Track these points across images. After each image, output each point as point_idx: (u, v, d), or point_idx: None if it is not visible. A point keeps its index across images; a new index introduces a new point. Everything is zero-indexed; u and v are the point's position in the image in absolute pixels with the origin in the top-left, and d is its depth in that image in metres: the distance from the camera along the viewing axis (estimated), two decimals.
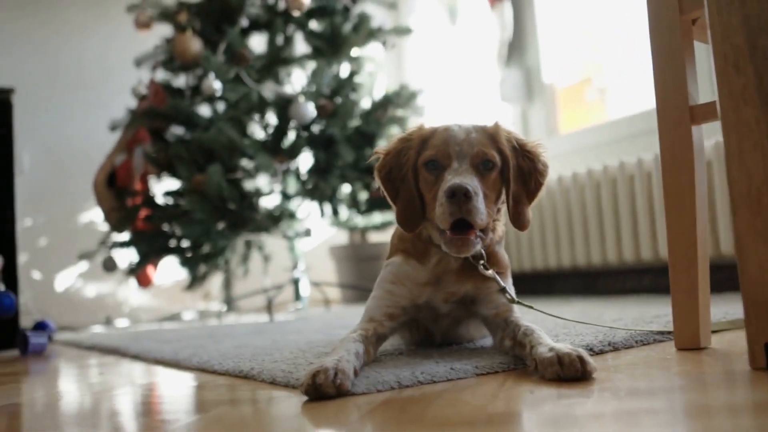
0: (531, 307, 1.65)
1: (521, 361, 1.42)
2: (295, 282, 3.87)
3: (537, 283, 4.22)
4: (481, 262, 1.58)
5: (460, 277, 1.60)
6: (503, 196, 1.60)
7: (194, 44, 3.53)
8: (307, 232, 3.96)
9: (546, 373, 1.25)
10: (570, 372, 1.21)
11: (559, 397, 1.11)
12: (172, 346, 2.37)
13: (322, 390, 1.21)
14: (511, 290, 1.65)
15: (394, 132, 3.91)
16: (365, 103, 3.98)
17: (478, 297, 1.61)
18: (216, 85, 3.42)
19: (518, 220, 1.59)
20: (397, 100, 3.80)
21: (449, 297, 1.62)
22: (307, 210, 4.01)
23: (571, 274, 3.97)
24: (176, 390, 1.60)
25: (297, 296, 3.89)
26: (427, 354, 1.60)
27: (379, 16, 4.29)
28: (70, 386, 1.81)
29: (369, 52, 4.13)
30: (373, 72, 4.13)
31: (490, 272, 1.58)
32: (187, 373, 1.82)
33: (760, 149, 1.18)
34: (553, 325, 2.01)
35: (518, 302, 1.59)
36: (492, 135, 1.59)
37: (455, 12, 5.41)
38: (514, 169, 1.59)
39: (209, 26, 3.69)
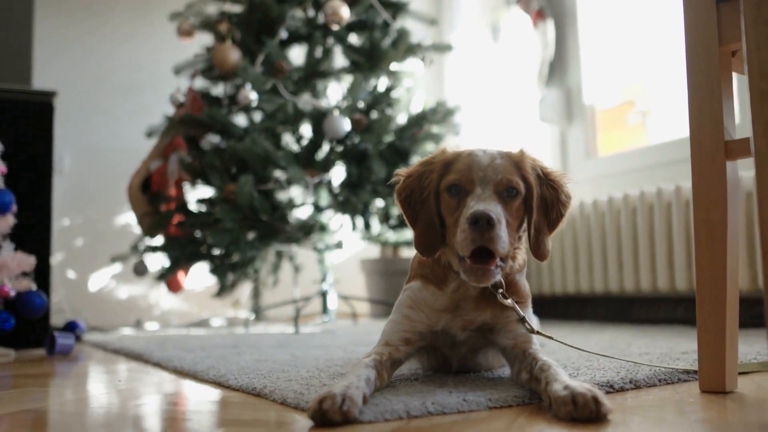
0: (551, 338, 1.61)
1: (537, 395, 1.38)
2: (323, 294, 3.86)
3: (569, 308, 4.14)
4: (500, 290, 1.55)
5: (479, 305, 1.57)
6: (525, 225, 1.56)
7: (233, 54, 3.56)
8: (339, 245, 3.96)
9: (559, 412, 1.21)
10: (584, 413, 1.17)
11: None
12: (194, 356, 2.37)
13: (328, 416, 1.19)
14: (532, 320, 1.61)
15: (429, 149, 3.89)
16: (401, 119, 3.97)
17: (496, 326, 1.58)
18: (252, 95, 3.44)
19: (538, 250, 1.56)
20: (433, 116, 3.78)
21: (467, 325, 1.59)
22: (338, 223, 4.01)
23: (603, 300, 3.89)
24: (186, 405, 1.59)
25: (324, 309, 3.88)
26: (442, 382, 1.57)
27: (418, 32, 4.28)
28: (83, 394, 1.82)
29: (407, 67, 4.12)
30: (411, 88, 4.12)
31: (509, 301, 1.54)
32: (203, 385, 1.82)
33: None
34: (577, 356, 1.96)
35: (538, 332, 1.55)
36: (517, 162, 1.56)
37: (498, 29, 5.38)
38: (538, 198, 1.55)
39: (249, 37, 3.73)
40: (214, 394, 1.69)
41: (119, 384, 1.95)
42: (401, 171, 1.66)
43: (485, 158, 1.53)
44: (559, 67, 4.51)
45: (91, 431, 1.31)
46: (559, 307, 4.21)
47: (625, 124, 4.36)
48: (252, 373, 1.86)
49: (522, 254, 1.64)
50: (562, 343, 1.66)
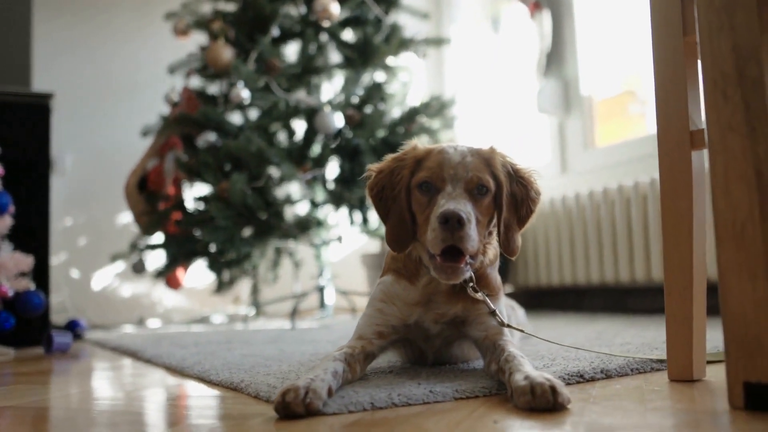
0: (522, 331, 1.62)
1: (504, 386, 1.40)
2: (321, 290, 3.89)
3: (566, 299, 4.15)
4: (471, 284, 1.56)
5: (450, 299, 1.59)
6: (495, 220, 1.58)
7: (226, 53, 3.59)
8: (338, 239, 3.98)
9: (518, 402, 1.22)
10: (541, 402, 1.19)
11: (521, 428, 1.09)
12: (185, 352, 2.41)
13: (291, 408, 1.21)
14: (503, 312, 1.62)
15: (423, 143, 3.90)
16: (397, 113, 3.98)
17: (467, 319, 1.59)
18: (244, 93, 3.47)
19: (508, 246, 1.58)
20: (427, 110, 3.79)
21: (439, 318, 1.60)
22: (337, 218, 4.03)
23: (600, 291, 3.90)
24: (161, 401, 1.62)
25: (322, 304, 3.91)
26: (415, 374, 1.59)
27: (415, 26, 4.28)
28: (60, 392, 1.85)
29: (403, 61, 4.12)
30: (407, 82, 4.13)
31: (479, 295, 1.56)
32: (187, 381, 1.85)
33: (746, 181, 1.13)
34: (557, 347, 1.98)
35: (508, 326, 1.57)
36: (487, 159, 1.57)
37: (498, 21, 5.37)
38: (508, 195, 1.57)
39: (242, 35, 3.75)
40: (194, 388, 1.72)
41: (100, 380, 1.99)
42: (373, 166, 1.68)
43: (456, 156, 1.53)
44: (556, 58, 4.50)
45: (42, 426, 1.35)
46: (557, 299, 4.22)
47: (625, 114, 4.35)
48: (235, 368, 1.88)
49: (493, 248, 1.65)
50: (532, 335, 1.68)
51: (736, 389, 1.14)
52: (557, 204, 4.07)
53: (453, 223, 1.42)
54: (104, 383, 1.96)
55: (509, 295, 4.35)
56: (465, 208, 1.45)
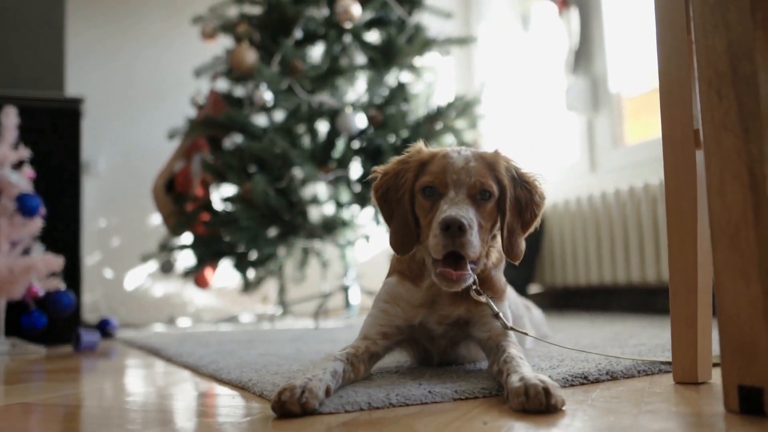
0: (526, 334, 1.62)
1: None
2: (346, 290, 3.91)
3: (593, 299, 4.10)
4: (474, 287, 1.56)
5: (454, 301, 1.59)
6: (498, 224, 1.57)
7: (250, 55, 3.63)
8: (366, 239, 4.01)
9: (513, 404, 1.22)
10: (534, 404, 1.19)
11: (510, 429, 1.09)
12: (205, 351, 2.45)
13: (286, 407, 1.23)
14: (507, 314, 1.62)
15: (449, 141, 3.90)
16: (422, 113, 3.98)
17: (471, 320, 1.59)
18: (267, 95, 3.51)
19: (511, 251, 1.57)
20: (449, 111, 3.78)
21: (443, 319, 1.61)
22: (363, 218, 4.05)
23: (627, 291, 3.85)
24: (176, 397, 1.65)
25: (347, 304, 3.94)
26: (419, 374, 1.60)
27: (439, 26, 4.27)
28: (78, 390, 1.90)
29: (428, 61, 4.12)
30: (432, 82, 4.13)
31: (482, 298, 1.56)
32: (199, 379, 1.88)
33: (740, 181, 1.12)
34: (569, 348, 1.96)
35: (511, 328, 1.56)
36: (491, 164, 1.56)
37: (528, 18, 5.34)
38: (511, 200, 1.56)
39: (267, 37, 3.80)
40: (203, 386, 1.75)
41: (119, 379, 2.04)
42: (378, 168, 1.69)
43: (459, 160, 1.53)
44: (584, 56, 4.45)
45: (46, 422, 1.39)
46: (584, 299, 4.18)
47: (654, 111, 4.27)
48: (247, 367, 1.91)
49: (497, 251, 1.64)
50: (536, 338, 1.67)
51: (731, 392, 1.13)
52: (584, 203, 4.03)
53: (454, 229, 1.42)
54: (116, 380, 2.01)
55: (533, 296, 4.35)
56: (467, 215, 1.45)
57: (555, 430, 1.08)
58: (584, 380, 1.50)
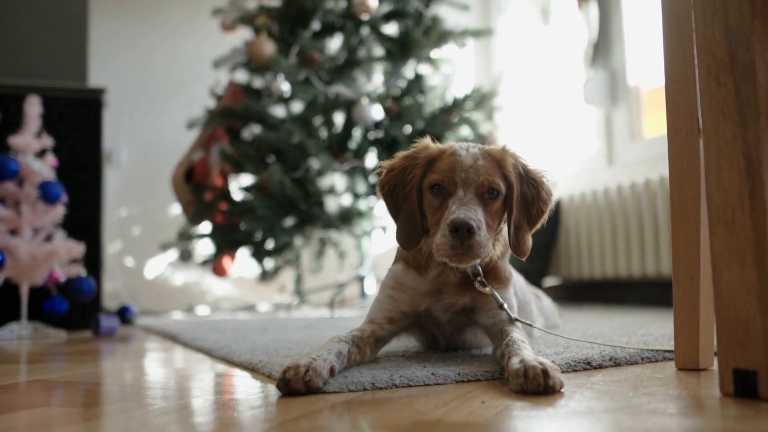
0: (530, 325, 1.64)
1: None
2: (361, 280, 3.95)
3: (609, 292, 4.10)
4: (478, 278, 1.58)
5: (459, 290, 1.61)
6: (504, 219, 1.59)
7: (268, 47, 3.67)
8: (384, 230, 4.04)
9: (512, 385, 1.25)
10: (532, 385, 1.21)
11: (506, 409, 1.12)
12: (219, 336, 2.50)
13: (291, 386, 1.26)
14: (512, 302, 1.64)
15: (465, 133, 3.91)
16: (438, 105, 4.00)
17: (476, 308, 1.62)
18: (285, 86, 3.55)
19: (518, 247, 1.58)
20: (466, 103, 3.79)
21: (448, 307, 1.63)
22: (380, 209, 4.09)
23: (642, 284, 3.84)
24: (190, 376, 1.70)
25: (362, 293, 3.97)
26: (425, 358, 1.63)
27: (457, 18, 4.28)
28: (98, 369, 1.96)
29: (446, 53, 4.14)
30: (449, 74, 4.15)
31: (487, 289, 1.58)
32: (212, 361, 1.93)
33: (736, 167, 1.13)
34: (576, 337, 1.98)
35: (516, 319, 1.58)
36: (499, 161, 1.57)
37: (548, 11, 5.33)
38: (518, 197, 1.57)
39: (285, 29, 3.83)
40: (216, 367, 1.80)
41: (133, 360, 2.09)
42: (384, 163, 1.68)
43: (468, 158, 1.54)
44: (603, 49, 4.44)
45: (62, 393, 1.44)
46: (600, 292, 4.18)
47: None
48: (259, 350, 1.95)
49: (502, 241, 1.66)
50: (539, 329, 1.69)
51: (726, 376, 1.14)
52: (600, 196, 4.03)
53: (463, 231, 1.43)
54: (134, 362, 2.06)
55: (549, 288, 4.35)
56: (475, 216, 1.46)
57: (550, 409, 1.10)
58: (587, 366, 1.52)
